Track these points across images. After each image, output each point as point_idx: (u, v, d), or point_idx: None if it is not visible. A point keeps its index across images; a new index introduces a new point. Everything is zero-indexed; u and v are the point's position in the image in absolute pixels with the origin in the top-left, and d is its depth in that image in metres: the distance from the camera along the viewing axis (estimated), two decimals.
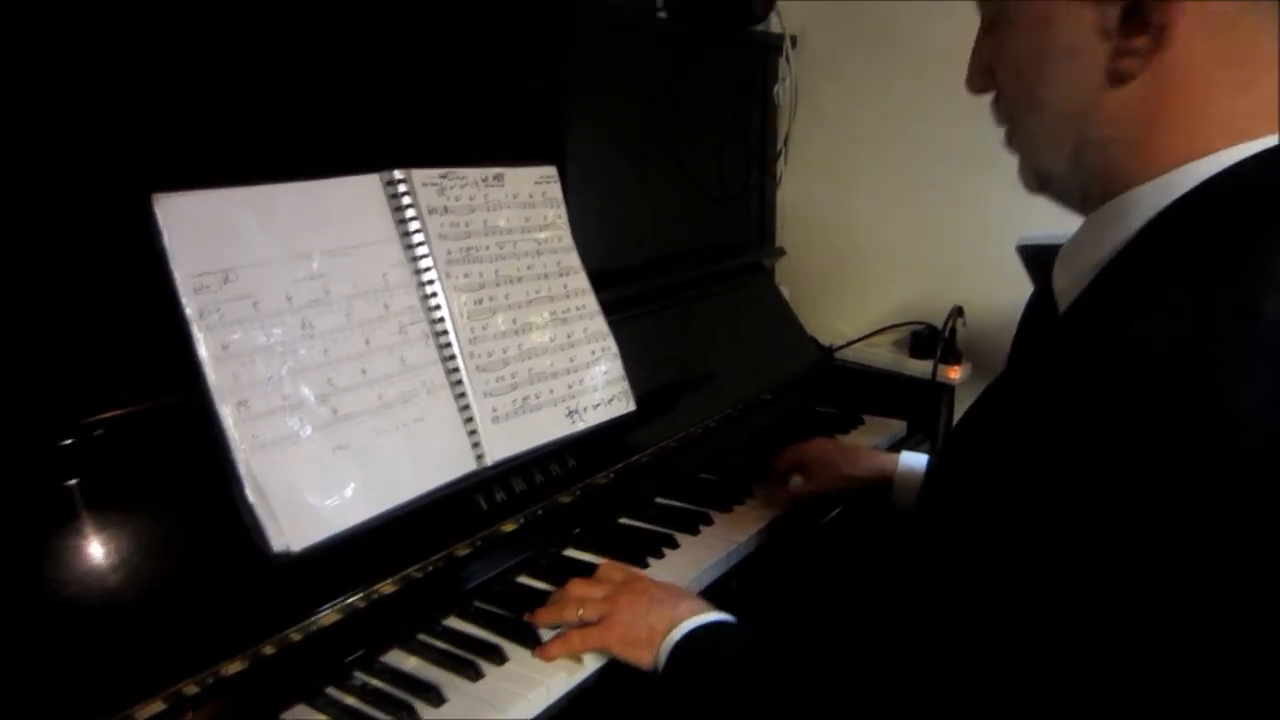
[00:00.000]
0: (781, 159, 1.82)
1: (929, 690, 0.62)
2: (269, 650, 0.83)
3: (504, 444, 1.06)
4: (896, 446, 1.49)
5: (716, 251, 1.65)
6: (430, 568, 0.97)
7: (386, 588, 0.93)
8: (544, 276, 1.16)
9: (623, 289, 1.34)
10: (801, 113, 1.80)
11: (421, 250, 1.02)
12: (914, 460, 1.20)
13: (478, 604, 1.01)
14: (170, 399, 0.83)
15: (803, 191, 1.93)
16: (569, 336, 1.17)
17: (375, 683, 0.88)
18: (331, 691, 0.87)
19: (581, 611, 0.92)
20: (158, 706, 0.76)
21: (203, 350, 0.83)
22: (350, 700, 0.86)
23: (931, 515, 0.74)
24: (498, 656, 0.90)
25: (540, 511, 1.10)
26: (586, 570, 1.02)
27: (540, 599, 0.99)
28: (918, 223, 1.83)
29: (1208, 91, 0.60)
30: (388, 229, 1.01)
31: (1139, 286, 0.59)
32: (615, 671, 0.91)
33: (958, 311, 1.63)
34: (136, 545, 0.80)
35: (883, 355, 1.76)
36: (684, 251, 1.57)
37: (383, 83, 1.06)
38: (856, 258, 1.93)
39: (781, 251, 1.82)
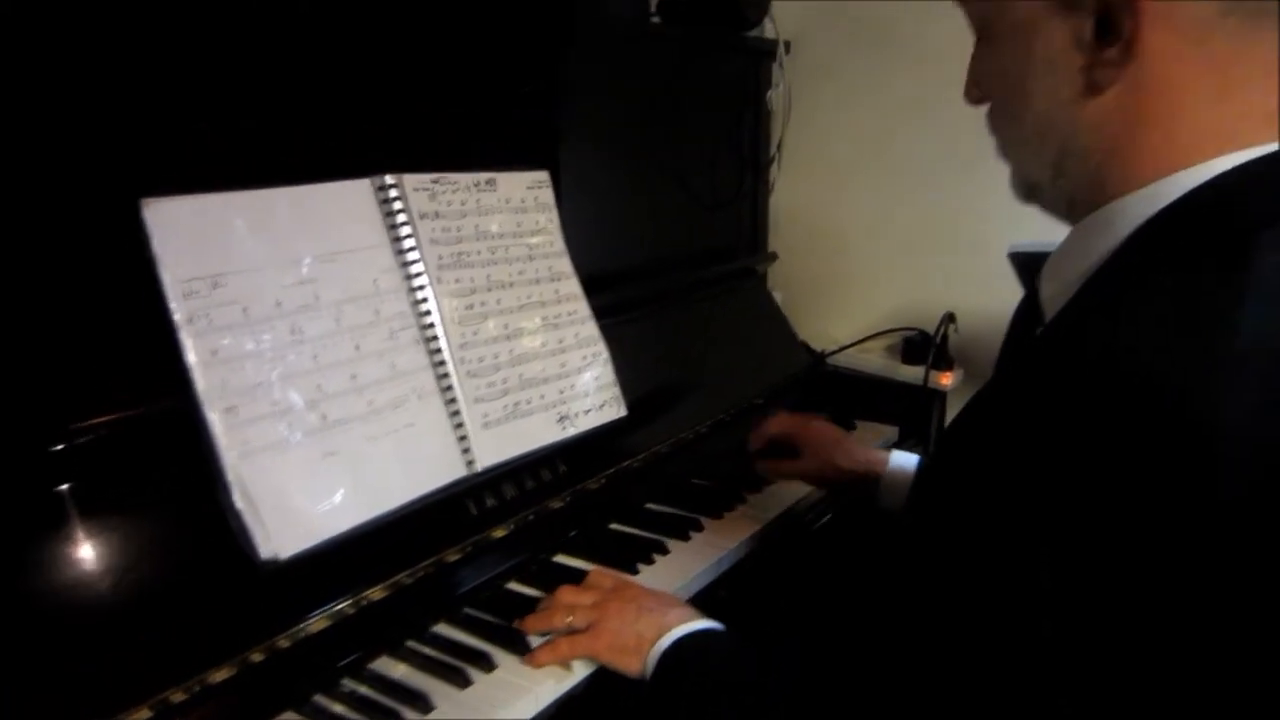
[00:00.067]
0: (775, 164, 1.82)
1: (926, 695, 0.62)
2: (257, 657, 0.83)
3: (494, 450, 1.06)
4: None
5: (709, 256, 1.65)
6: (420, 574, 0.97)
7: (376, 594, 0.93)
8: (535, 282, 1.16)
9: (615, 293, 1.34)
10: (795, 118, 1.80)
11: (413, 255, 1.02)
12: (904, 460, 1.20)
13: (467, 610, 1.01)
14: (161, 404, 0.83)
15: (796, 197, 1.93)
16: (560, 342, 1.17)
17: (363, 690, 0.88)
18: (319, 699, 0.87)
19: (570, 619, 0.92)
20: (144, 715, 0.75)
21: (191, 356, 0.82)
22: (338, 708, 0.86)
23: (924, 519, 0.74)
24: (486, 663, 0.90)
25: (531, 517, 1.10)
26: (576, 577, 1.02)
27: (530, 605, 0.98)
28: (910, 229, 1.84)
29: (1185, 101, 0.60)
30: (379, 234, 1.01)
31: (1124, 296, 0.59)
32: (604, 679, 0.90)
33: (949, 318, 1.64)
34: (125, 551, 0.79)
35: (875, 361, 1.77)
36: (677, 256, 1.57)
37: (376, 86, 1.06)
38: (849, 263, 1.93)
39: (774, 256, 1.82)
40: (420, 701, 0.85)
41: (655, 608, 0.90)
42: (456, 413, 1.03)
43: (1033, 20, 0.64)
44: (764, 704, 0.77)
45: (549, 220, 1.20)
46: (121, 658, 0.76)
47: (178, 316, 0.82)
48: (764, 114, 1.76)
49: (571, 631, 0.91)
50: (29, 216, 0.79)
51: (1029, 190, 0.72)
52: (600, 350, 1.21)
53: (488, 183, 1.13)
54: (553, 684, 0.89)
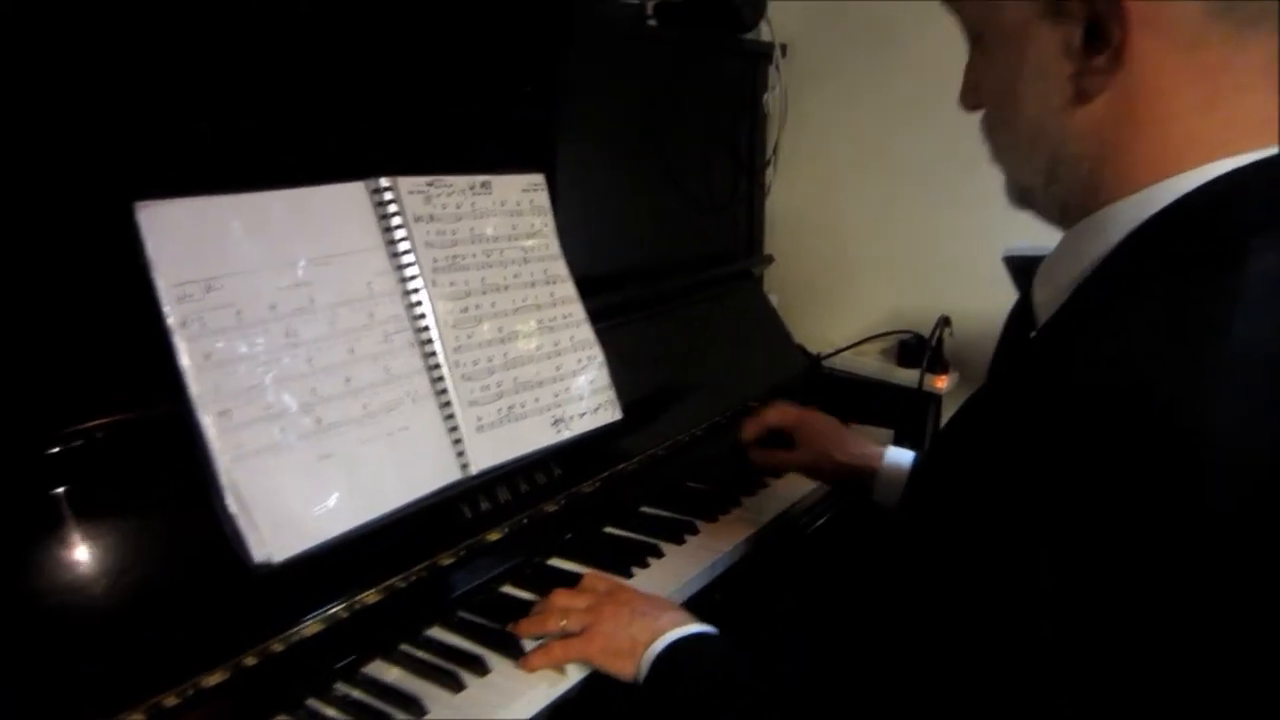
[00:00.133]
0: (771, 167, 1.83)
1: (924, 698, 0.62)
2: (250, 661, 0.83)
3: (489, 453, 1.06)
4: None
5: (705, 259, 1.65)
6: (414, 577, 0.97)
7: (370, 598, 0.93)
8: (531, 285, 1.16)
9: (611, 296, 1.34)
10: (791, 121, 1.80)
11: (407, 258, 1.02)
12: (899, 456, 1.19)
13: (461, 614, 1.01)
14: (158, 408, 0.83)
15: (792, 199, 1.93)
16: (555, 345, 1.17)
17: (356, 694, 0.88)
18: (312, 703, 0.87)
19: (564, 622, 0.92)
20: (136, 718, 0.75)
21: (184, 360, 0.82)
22: (331, 712, 0.86)
23: (919, 522, 0.74)
24: (480, 667, 0.90)
25: (525, 521, 1.10)
26: (571, 580, 1.02)
27: (524, 609, 0.99)
28: (906, 232, 1.84)
29: (1175, 108, 0.61)
30: (373, 237, 1.01)
31: (1116, 302, 0.60)
32: (597, 683, 0.90)
33: (945, 321, 1.64)
34: (118, 554, 0.79)
35: (870, 364, 1.77)
36: (673, 259, 1.57)
37: (372, 88, 1.06)
38: (845, 266, 1.93)
39: (770, 259, 1.82)
40: (413, 705, 0.85)
41: (649, 611, 0.90)
42: (451, 416, 1.02)
43: (1022, 28, 0.64)
44: (757, 708, 0.77)
45: (544, 223, 1.20)
46: (114, 661, 0.76)
47: (171, 320, 0.82)
48: (760, 117, 1.76)
49: (565, 635, 0.91)
50: (25, 220, 0.79)
51: (1022, 196, 0.72)
52: (595, 353, 1.21)
53: (483, 185, 1.13)
54: (546, 688, 0.89)
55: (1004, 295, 1.03)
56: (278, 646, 0.85)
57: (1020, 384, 0.65)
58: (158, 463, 0.84)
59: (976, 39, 0.71)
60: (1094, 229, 0.65)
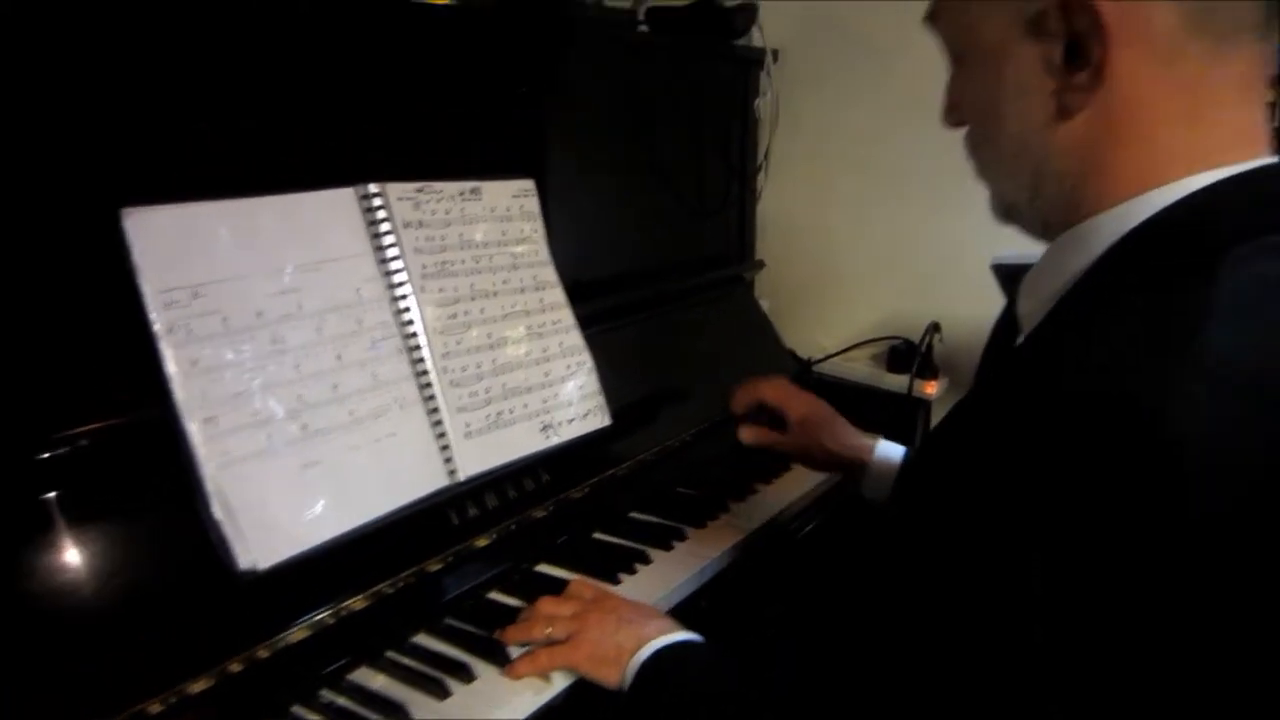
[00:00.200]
0: (762, 172, 1.83)
1: (914, 705, 0.62)
2: (236, 668, 0.83)
3: (477, 459, 1.06)
4: None
5: (697, 264, 1.65)
6: (401, 584, 0.97)
7: (357, 604, 0.93)
8: (520, 291, 1.16)
9: (602, 301, 1.34)
10: (782, 126, 1.81)
11: (396, 264, 1.02)
12: (890, 451, 1.19)
13: (448, 620, 1.01)
14: (149, 413, 0.83)
15: (783, 205, 1.94)
16: (544, 351, 1.17)
17: (341, 701, 0.88)
18: (298, 710, 0.87)
19: (550, 630, 0.92)
20: None
21: (171, 366, 0.82)
22: (315, 719, 0.86)
23: (908, 531, 0.74)
24: (466, 674, 0.90)
25: (513, 527, 1.10)
26: (557, 587, 1.02)
27: (511, 615, 0.98)
28: (897, 238, 1.84)
29: (1155, 122, 0.61)
30: (362, 243, 1.01)
31: (1097, 314, 0.60)
32: (583, 690, 0.90)
33: (935, 327, 1.64)
34: (105, 561, 0.79)
35: (860, 369, 1.77)
36: (665, 264, 1.57)
37: (363, 92, 1.06)
38: (836, 271, 1.94)
39: (761, 264, 1.83)
40: (399, 712, 0.85)
41: (635, 619, 0.90)
42: (439, 422, 1.03)
43: (1003, 46, 0.64)
44: (743, 716, 0.78)
45: (534, 229, 1.20)
46: (98, 667, 0.76)
47: (157, 326, 0.82)
48: (752, 122, 1.77)
49: (551, 642, 0.91)
50: (14, 226, 0.79)
51: (1007, 211, 0.73)
52: (585, 359, 1.21)
53: (472, 191, 1.13)
54: (531, 695, 0.89)
55: (993, 302, 1.04)
56: (264, 653, 0.85)
57: (1005, 393, 0.66)
58: (147, 468, 0.84)
59: (957, 58, 0.71)
60: (1076, 242, 0.65)
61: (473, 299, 1.10)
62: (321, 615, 0.90)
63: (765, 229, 1.91)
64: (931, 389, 1.63)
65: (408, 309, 1.02)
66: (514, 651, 0.93)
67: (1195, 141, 0.61)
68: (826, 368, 1.78)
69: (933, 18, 0.72)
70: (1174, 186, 0.61)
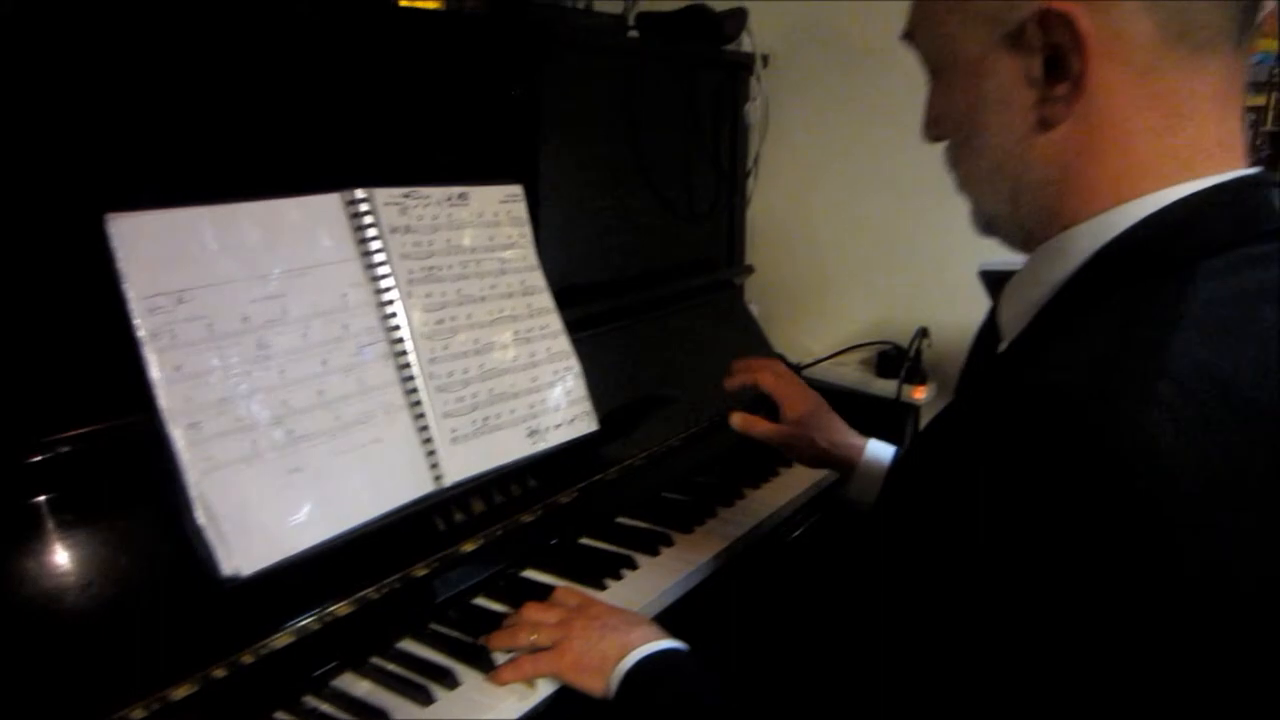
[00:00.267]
0: (752, 177, 1.83)
1: (895, 716, 0.63)
2: (219, 673, 0.83)
3: (463, 464, 1.06)
4: None
5: (686, 269, 1.66)
6: (386, 589, 0.97)
7: (342, 609, 0.93)
8: (507, 296, 1.16)
9: (591, 306, 1.34)
10: (772, 132, 1.81)
11: (383, 270, 1.02)
12: (880, 452, 1.18)
13: (433, 626, 1.01)
14: (137, 418, 0.83)
15: (773, 209, 1.94)
16: (531, 356, 1.17)
17: (325, 707, 0.88)
18: (281, 716, 0.87)
19: (534, 636, 0.92)
20: None
21: (155, 372, 0.82)
22: None
23: (886, 539, 0.74)
24: (450, 680, 0.90)
25: (500, 532, 1.10)
26: (544, 592, 1.02)
27: (496, 621, 0.99)
28: (886, 243, 1.84)
29: (1134, 134, 0.61)
30: (348, 248, 1.01)
31: (1071, 325, 0.61)
32: (567, 698, 0.90)
33: (923, 332, 1.64)
34: (89, 565, 0.79)
35: (849, 374, 1.77)
36: (654, 268, 1.58)
37: (352, 95, 1.06)
38: (825, 276, 1.94)
39: (750, 269, 1.83)
40: (382, 718, 0.85)
41: (619, 626, 0.91)
42: (425, 428, 1.02)
43: (982, 60, 0.64)
44: None
45: (522, 234, 1.20)
46: (81, 671, 0.76)
47: (142, 332, 0.82)
48: (741, 127, 1.77)
49: (536, 649, 0.92)
50: (1, 231, 0.79)
51: (988, 224, 0.73)
52: (572, 364, 1.21)
53: (460, 196, 1.13)
54: (515, 702, 0.89)
55: (982, 307, 1.04)
56: (247, 659, 0.85)
57: (983, 404, 0.66)
58: (134, 473, 0.83)
59: (936, 73, 0.71)
60: (1055, 253, 0.66)
61: (460, 304, 1.10)
62: (306, 621, 0.90)
63: (755, 234, 1.91)
64: (920, 394, 1.63)
65: (394, 314, 1.02)
66: (499, 658, 0.93)
67: (1173, 153, 0.61)
68: (815, 372, 1.78)
69: (910, 34, 0.72)
70: (1151, 198, 0.61)
